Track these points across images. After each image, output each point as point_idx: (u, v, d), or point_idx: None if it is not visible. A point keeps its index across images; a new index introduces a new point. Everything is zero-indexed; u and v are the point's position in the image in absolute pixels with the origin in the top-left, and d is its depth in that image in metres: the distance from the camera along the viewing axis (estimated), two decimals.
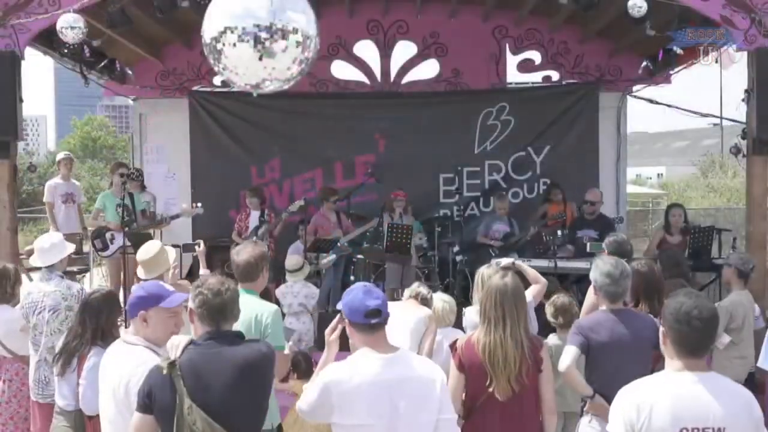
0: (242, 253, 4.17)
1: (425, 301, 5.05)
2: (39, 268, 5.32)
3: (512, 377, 3.45)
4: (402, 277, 8.25)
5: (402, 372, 2.97)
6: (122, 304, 5.28)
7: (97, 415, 4.01)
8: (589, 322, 3.99)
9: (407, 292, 5.17)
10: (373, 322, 2.99)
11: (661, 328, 2.80)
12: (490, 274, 3.82)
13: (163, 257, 5.17)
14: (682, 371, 2.70)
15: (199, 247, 5.60)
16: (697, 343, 2.70)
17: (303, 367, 5.40)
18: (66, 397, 4.35)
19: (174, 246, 5.79)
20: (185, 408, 2.76)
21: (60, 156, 9.28)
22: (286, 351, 4.11)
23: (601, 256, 4.51)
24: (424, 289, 5.14)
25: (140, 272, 5.20)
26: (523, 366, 3.47)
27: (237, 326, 3.57)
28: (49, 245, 5.22)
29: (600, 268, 4.02)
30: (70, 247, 5.44)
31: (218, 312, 2.95)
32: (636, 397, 2.70)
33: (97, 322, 4.28)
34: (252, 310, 4.02)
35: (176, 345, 2.97)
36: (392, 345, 3.07)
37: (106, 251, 8.35)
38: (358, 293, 3.04)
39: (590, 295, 4.55)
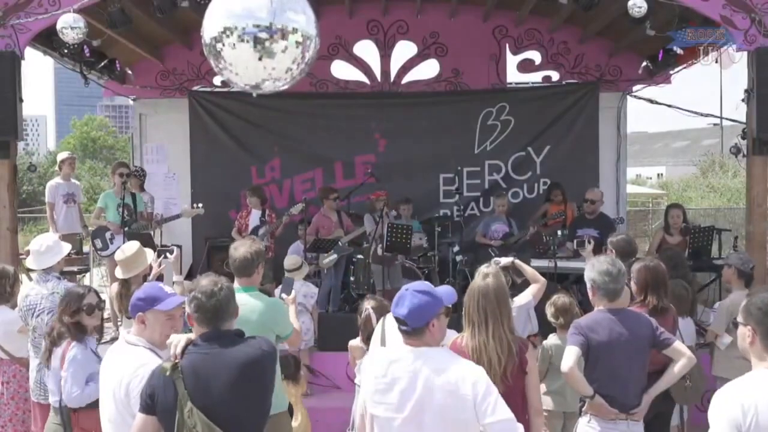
0: (239, 248, 4.28)
1: None
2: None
3: (497, 378, 3.42)
4: (388, 277, 8.25)
5: (426, 367, 2.96)
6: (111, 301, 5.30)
7: (82, 408, 4.09)
8: (588, 322, 3.98)
9: None
10: (401, 328, 3.03)
11: (745, 330, 2.77)
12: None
13: (140, 258, 5.20)
14: None
15: (172, 253, 5.47)
16: None
17: (291, 369, 5.40)
18: (54, 393, 4.39)
19: (163, 246, 5.78)
20: (185, 411, 2.77)
21: (64, 155, 9.25)
22: (295, 325, 4.37)
23: (596, 256, 4.49)
24: None
25: (118, 272, 5.22)
26: (509, 366, 3.47)
27: (249, 329, 3.74)
28: (44, 248, 5.20)
29: (597, 267, 4.00)
30: (66, 248, 5.43)
31: (214, 314, 2.95)
32: (738, 398, 2.66)
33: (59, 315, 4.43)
34: (256, 311, 4.16)
35: (175, 344, 2.97)
36: (429, 344, 3.05)
37: (105, 251, 8.36)
38: (395, 299, 3.08)
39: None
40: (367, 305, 4.73)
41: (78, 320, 4.34)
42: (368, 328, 4.58)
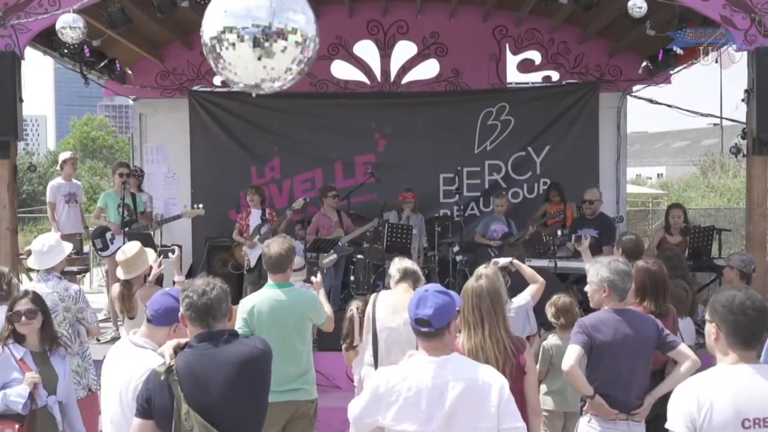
0: (272, 246, 4.54)
1: (417, 279, 4.74)
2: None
3: None
4: None
5: (452, 376, 2.92)
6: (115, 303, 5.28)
7: None
8: (593, 321, 3.96)
9: (394, 271, 4.80)
10: (423, 330, 2.97)
11: (710, 326, 2.80)
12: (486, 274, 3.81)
13: (141, 258, 5.19)
14: (737, 364, 2.72)
15: (173, 253, 5.47)
16: (753, 334, 2.74)
17: None
18: None
19: (164, 246, 5.77)
20: (182, 414, 2.77)
21: (66, 156, 9.23)
22: (328, 311, 4.74)
23: (606, 257, 4.47)
24: (409, 264, 4.81)
25: (119, 273, 5.20)
26: (507, 366, 3.44)
27: (289, 322, 4.22)
28: (47, 248, 5.19)
29: (612, 267, 3.96)
30: (68, 248, 5.41)
31: (206, 312, 2.94)
32: (695, 392, 2.70)
33: None
34: (295, 305, 4.49)
35: (167, 347, 2.98)
36: (449, 350, 3.02)
37: (106, 251, 8.36)
38: (414, 300, 3.03)
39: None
40: (353, 306, 4.82)
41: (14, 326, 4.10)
42: (350, 331, 4.71)
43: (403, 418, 2.93)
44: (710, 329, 2.81)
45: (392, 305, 4.58)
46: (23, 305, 4.11)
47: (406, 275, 4.72)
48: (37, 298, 4.20)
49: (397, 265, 4.79)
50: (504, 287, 3.75)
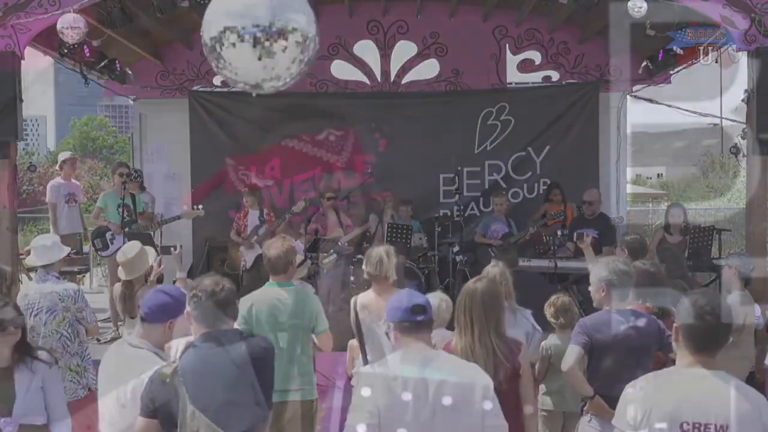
0: (272, 248, 4.57)
1: (384, 277, 4.56)
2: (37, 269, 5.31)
3: None
4: None
5: (437, 372, 2.94)
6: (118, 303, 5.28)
7: None
8: (594, 322, 3.96)
9: (368, 261, 4.61)
10: (419, 318, 2.99)
11: (675, 324, 2.82)
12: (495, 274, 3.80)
13: (142, 258, 5.21)
14: (691, 367, 2.72)
15: (175, 250, 5.47)
16: (709, 339, 2.72)
17: None
18: None
19: (164, 247, 5.77)
20: (188, 414, 2.77)
21: (66, 155, 9.23)
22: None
23: (609, 257, 4.47)
24: (371, 267, 4.58)
25: (120, 273, 5.22)
26: (500, 370, 3.43)
27: (289, 322, 4.21)
28: (50, 243, 5.22)
29: (612, 266, 3.98)
30: (66, 249, 5.44)
31: (213, 313, 2.95)
32: (640, 390, 2.73)
33: None
34: (297, 304, 4.48)
35: (176, 348, 2.98)
36: (434, 346, 3.06)
37: (106, 251, 8.36)
38: (403, 294, 3.11)
39: None
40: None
41: None
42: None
43: (386, 412, 2.92)
44: (674, 329, 2.83)
45: (373, 310, 4.50)
46: (8, 314, 3.60)
47: (370, 277, 4.63)
48: (17, 309, 3.75)
49: (364, 266, 4.70)
50: (508, 288, 3.75)
